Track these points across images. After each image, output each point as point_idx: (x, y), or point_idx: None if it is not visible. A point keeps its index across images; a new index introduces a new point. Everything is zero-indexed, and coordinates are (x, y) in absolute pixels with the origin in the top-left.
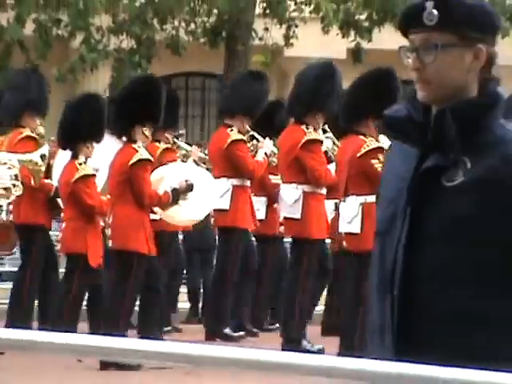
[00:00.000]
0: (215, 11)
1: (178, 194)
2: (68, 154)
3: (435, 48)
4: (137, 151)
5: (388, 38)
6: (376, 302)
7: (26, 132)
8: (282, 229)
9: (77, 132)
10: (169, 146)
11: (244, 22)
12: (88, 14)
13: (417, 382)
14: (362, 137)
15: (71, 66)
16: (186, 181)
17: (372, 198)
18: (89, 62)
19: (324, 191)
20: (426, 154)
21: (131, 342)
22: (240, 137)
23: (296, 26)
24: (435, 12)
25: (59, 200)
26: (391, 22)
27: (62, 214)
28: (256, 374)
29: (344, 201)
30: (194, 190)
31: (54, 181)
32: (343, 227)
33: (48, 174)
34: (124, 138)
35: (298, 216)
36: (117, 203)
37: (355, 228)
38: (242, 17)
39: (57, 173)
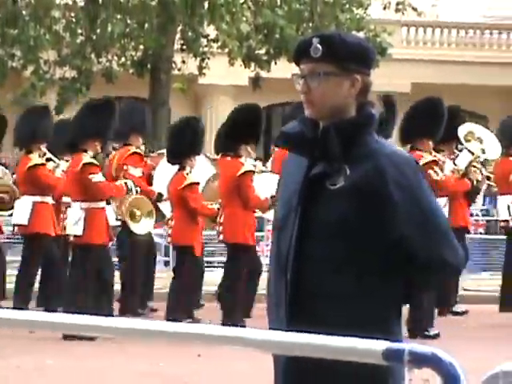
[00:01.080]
0: (141, 47)
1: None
2: (164, 166)
3: (319, 76)
4: (243, 164)
5: (283, 68)
6: (274, 283)
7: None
8: None
9: (182, 149)
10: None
11: (165, 55)
12: (37, 49)
13: (304, 348)
14: (419, 152)
15: (24, 92)
16: None
17: None
18: (38, 89)
19: None
20: (315, 162)
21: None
22: None
23: (208, 59)
24: (320, 46)
25: (159, 204)
26: (285, 55)
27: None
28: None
29: None
30: None
31: (155, 187)
32: None
33: (150, 182)
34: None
35: None
36: (227, 206)
37: None
38: (163, 52)
39: (157, 181)
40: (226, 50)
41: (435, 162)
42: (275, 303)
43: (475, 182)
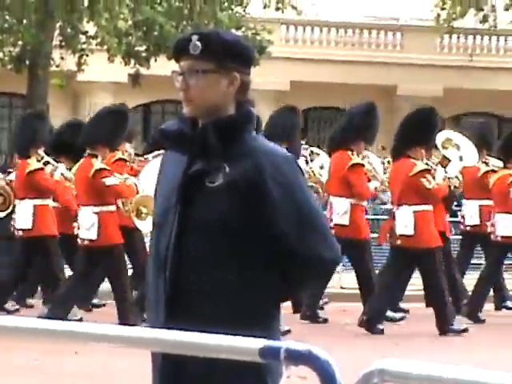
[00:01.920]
0: (20, 43)
1: None
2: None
3: (197, 73)
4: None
5: (163, 65)
6: (152, 280)
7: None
8: None
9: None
10: None
11: (44, 51)
12: None
13: (180, 346)
14: (412, 160)
15: None
16: None
17: (420, 207)
18: None
19: None
20: (194, 160)
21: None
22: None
23: (87, 56)
24: (199, 44)
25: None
26: (165, 52)
27: None
28: None
29: (398, 209)
30: None
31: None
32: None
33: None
34: None
35: None
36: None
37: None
38: (42, 47)
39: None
40: (105, 47)
41: (428, 171)
42: (155, 302)
43: (452, 188)
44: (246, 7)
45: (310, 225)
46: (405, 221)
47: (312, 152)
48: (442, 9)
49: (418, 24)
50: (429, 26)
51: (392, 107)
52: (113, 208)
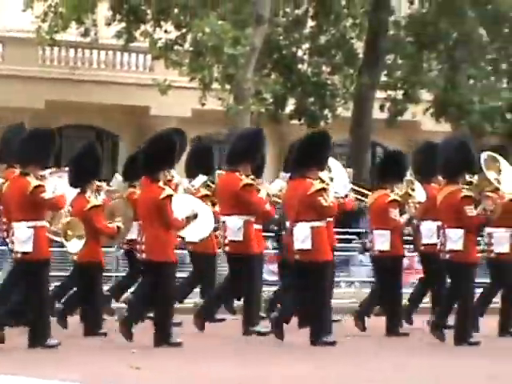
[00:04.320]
0: None
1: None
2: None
3: None
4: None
5: None
6: None
7: None
8: None
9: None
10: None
11: None
12: None
13: None
14: (309, 180)
15: None
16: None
17: (318, 223)
18: None
19: None
20: None
21: None
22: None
23: None
24: None
25: None
26: None
27: None
28: None
29: (295, 226)
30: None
31: None
32: (297, 245)
33: None
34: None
35: None
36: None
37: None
38: None
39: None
40: None
41: (324, 190)
42: None
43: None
44: None
45: None
46: (302, 236)
47: None
48: (43, 21)
49: (18, 36)
50: (31, 37)
51: None
52: (45, 222)
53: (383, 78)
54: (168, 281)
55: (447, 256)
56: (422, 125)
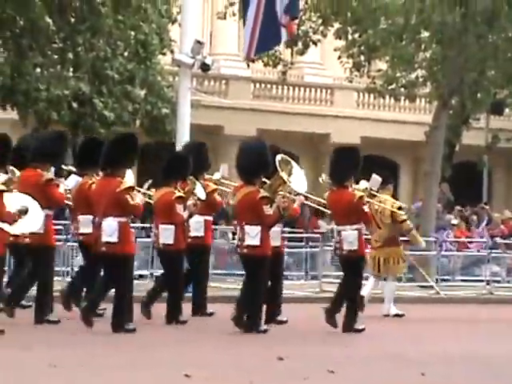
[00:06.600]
0: None
1: None
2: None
3: None
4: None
5: None
6: None
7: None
8: None
9: None
10: None
11: None
12: None
13: None
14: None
15: None
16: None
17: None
18: None
19: None
20: None
21: None
22: None
23: None
24: None
25: None
26: None
27: None
28: None
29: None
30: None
31: None
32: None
33: None
34: None
35: None
36: None
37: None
38: None
39: None
40: None
41: (132, 189)
42: None
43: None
44: None
45: None
46: (109, 231)
47: None
48: None
49: None
50: None
51: None
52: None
53: None
54: None
55: (245, 250)
56: None
